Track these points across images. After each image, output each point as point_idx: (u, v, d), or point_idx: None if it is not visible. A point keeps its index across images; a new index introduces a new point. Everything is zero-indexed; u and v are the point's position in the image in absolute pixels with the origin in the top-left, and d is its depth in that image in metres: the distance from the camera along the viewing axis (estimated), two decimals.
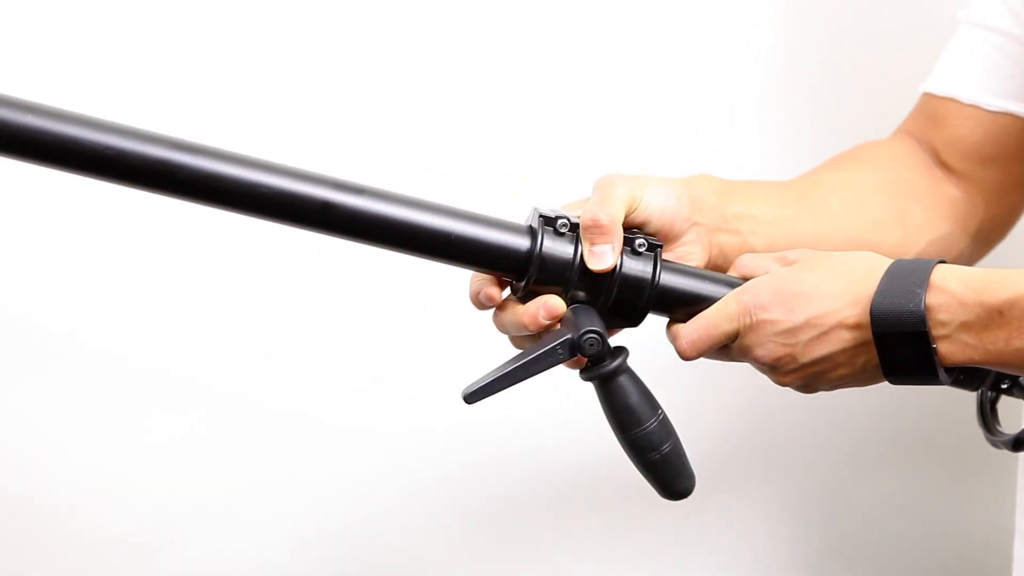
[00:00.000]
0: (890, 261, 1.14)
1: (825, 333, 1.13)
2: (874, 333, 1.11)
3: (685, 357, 1.17)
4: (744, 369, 1.70)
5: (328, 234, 1.09)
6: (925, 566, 1.80)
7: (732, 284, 1.17)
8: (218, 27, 1.58)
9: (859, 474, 1.78)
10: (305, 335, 1.62)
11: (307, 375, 1.63)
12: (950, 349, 1.11)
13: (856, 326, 1.12)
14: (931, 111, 1.40)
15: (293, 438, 1.64)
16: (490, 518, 1.71)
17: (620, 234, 1.14)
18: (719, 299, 1.16)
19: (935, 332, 1.10)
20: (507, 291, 1.17)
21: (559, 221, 1.13)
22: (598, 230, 1.14)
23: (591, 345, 1.10)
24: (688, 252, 1.22)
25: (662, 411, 1.15)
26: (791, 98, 1.69)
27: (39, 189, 1.54)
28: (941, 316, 1.10)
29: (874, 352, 1.12)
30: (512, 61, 1.64)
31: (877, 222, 1.34)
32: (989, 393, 1.21)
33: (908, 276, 1.12)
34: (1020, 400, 1.20)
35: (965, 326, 1.10)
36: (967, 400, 1.24)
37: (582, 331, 1.10)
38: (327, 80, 1.60)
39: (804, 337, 1.13)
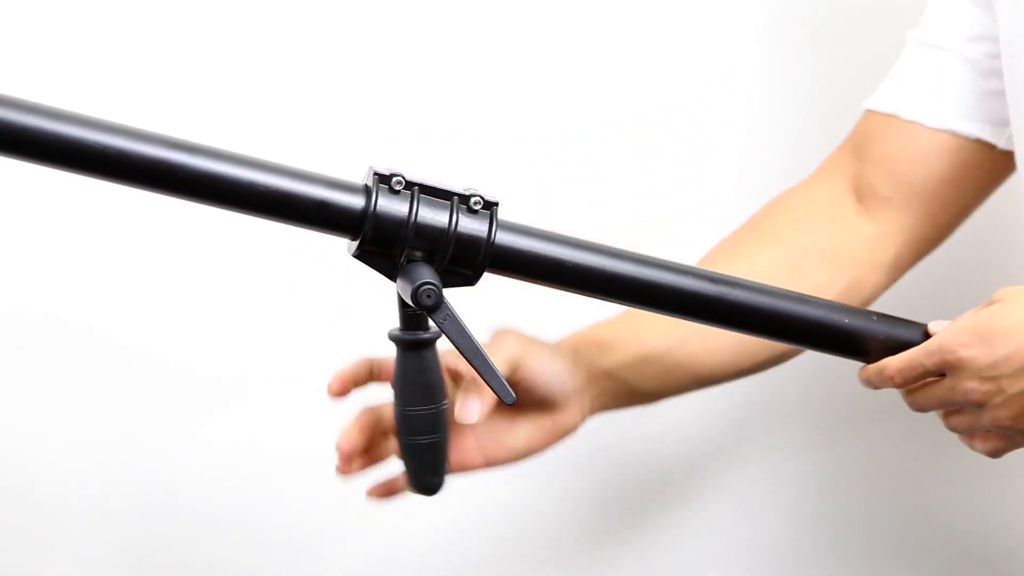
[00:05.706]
0: None
1: None
2: None
3: (895, 385, 1.17)
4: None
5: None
6: (925, 565, 1.81)
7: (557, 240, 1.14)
8: (217, 27, 1.58)
9: (860, 472, 1.79)
10: (305, 331, 1.63)
11: (312, 371, 1.64)
12: None
13: None
14: (870, 129, 1.37)
15: (307, 437, 1.65)
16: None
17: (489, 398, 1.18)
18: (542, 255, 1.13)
19: None
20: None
21: (394, 179, 1.10)
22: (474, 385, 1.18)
23: (428, 296, 1.07)
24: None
25: (446, 404, 1.15)
26: (787, 98, 1.70)
27: (40, 189, 1.55)
28: None
29: None
30: (508, 59, 1.65)
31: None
32: None
33: None
34: None
35: None
36: None
37: (417, 283, 1.07)
38: (325, 80, 1.61)
39: (1008, 369, 1.11)
